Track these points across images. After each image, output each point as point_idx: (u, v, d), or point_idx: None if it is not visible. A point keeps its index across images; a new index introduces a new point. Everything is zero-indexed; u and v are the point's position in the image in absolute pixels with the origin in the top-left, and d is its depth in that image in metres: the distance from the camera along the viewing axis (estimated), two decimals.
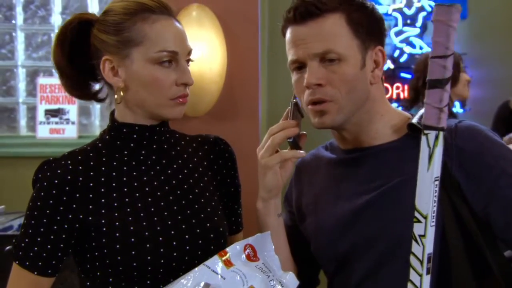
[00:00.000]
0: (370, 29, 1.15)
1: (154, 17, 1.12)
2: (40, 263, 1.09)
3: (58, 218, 1.09)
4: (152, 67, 1.11)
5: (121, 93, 1.14)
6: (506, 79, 3.53)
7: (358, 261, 1.15)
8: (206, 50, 1.76)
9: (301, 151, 1.18)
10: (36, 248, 1.09)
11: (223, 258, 1.03)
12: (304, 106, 1.18)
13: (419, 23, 3.69)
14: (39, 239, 1.09)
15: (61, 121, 3.35)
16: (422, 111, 1.12)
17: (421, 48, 3.66)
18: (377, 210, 1.13)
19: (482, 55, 3.35)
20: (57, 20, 3.44)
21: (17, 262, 1.10)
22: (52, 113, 3.35)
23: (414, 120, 1.13)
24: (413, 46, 3.66)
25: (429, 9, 3.68)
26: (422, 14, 3.68)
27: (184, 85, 1.13)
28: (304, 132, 1.21)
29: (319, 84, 1.12)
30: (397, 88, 3.61)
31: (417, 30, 3.68)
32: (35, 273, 1.09)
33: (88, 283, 1.14)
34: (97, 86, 1.23)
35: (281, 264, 1.12)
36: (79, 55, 1.17)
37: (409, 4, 3.69)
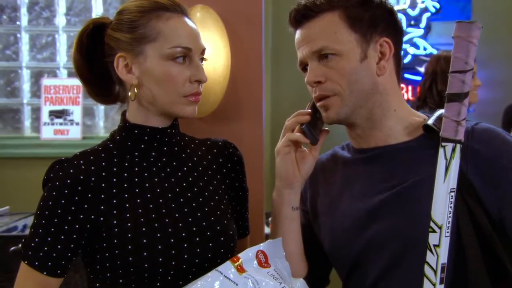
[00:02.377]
0: (373, 22, 1.15)
1: (168, 15, 1.13)
2: (49, 263, 1.09)
3: (69, 218, 1.09)
4: (165, 63, 1.11)
5: (135, 90, 1.14)
6: (511, 80, 3.52)
7: (372, 262, 1.14)
8: (210, 51, 1.76)
9: (306, 138, 1.19)
10: (46, 248, 1.09)
11: (236, 264, 1.03)
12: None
13: (423, 24, 3.68)
14: (49, 239, 1.09)
15: (65, 122, 3.35)
16: (438, 112, 1.15)
17: (425, 49, 3.66)
18: (391, 210, 1.12)
19: (486, 56, 3.34)
20: (61, 22, 3.45)
21: (26, 262, 1.10)
22: (56, 114, 3.36)
23: (430, 122, 1.13)
24: (417, 47, 3.66)
25: (433, 10, 3.68)
26: (426, 15, 3.68)
27: (198, 82, 1.14)
28: (326, 128, 1.23)
29: (319, 82, 1.15)
30: (401, 89, 3.61)
31: (421, 31, 3.68)
32: (44, 273, 1.09)
33: (97, 285, 1.14)
34: (118, 88, 1.23)
35: (292, 259, 1.13)
36: (97, 60, 1.19)
37: (413, 5, 3.69)
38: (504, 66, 3.55)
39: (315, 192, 1.30)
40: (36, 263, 1.09)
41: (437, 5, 3.67)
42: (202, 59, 1.17)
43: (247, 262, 1.04)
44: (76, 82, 3.37)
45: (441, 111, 1.14)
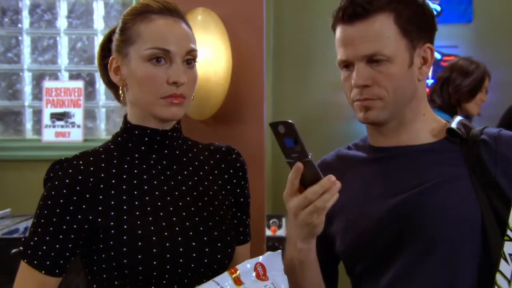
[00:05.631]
0: (420, 26, 1.16)
1: (153, 17, 1.14)
2: (48, 262, 1.10)
3: (68, 218, 1.10)
4: (144, 65, 1.12)
5: (123, 92, 1.17)
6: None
7: (391, 261, 1.14)
8: (211, 54, 1.76)
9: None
10: (44, 247, 1.10)
11: (233, 276, 1.02)
12: (350, 102, 1.19)
13: None
14: (48, 238, 1.10)
15: (67, 125, 3.36)
16: (458, 118, 1.19)
17: None
18: (413, 210, 1.13)
19: (487, 59, 3.33)
20: (63, 24, 3.46)
21: (25, 260, 1.11)
22: (57, 116, 3.37)
23: (453, 125, 1.16)
24: None
25: (434, 12, 3.68)
26: None
27: (175, 84, 1.12)
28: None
29: (366, 85, 1.14)
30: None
31: None
32: (43, 272, 1.10)
33: (94, 286, 1.15)
34: None
35: None
36: None
37: None
38: (506, 69, 3.55)
39: None
40: (35, 262, 1.10)
41: (438, 8, 3.66)
42: (191, 60, 1.16)
43: (245, 274, 1.03)
44: (78, 84, 3.38)
45: (460, 117, 1.20)
